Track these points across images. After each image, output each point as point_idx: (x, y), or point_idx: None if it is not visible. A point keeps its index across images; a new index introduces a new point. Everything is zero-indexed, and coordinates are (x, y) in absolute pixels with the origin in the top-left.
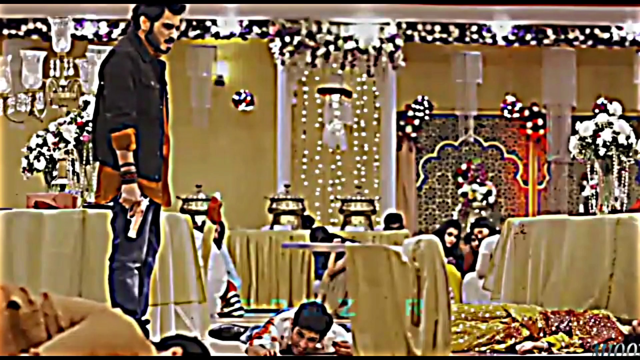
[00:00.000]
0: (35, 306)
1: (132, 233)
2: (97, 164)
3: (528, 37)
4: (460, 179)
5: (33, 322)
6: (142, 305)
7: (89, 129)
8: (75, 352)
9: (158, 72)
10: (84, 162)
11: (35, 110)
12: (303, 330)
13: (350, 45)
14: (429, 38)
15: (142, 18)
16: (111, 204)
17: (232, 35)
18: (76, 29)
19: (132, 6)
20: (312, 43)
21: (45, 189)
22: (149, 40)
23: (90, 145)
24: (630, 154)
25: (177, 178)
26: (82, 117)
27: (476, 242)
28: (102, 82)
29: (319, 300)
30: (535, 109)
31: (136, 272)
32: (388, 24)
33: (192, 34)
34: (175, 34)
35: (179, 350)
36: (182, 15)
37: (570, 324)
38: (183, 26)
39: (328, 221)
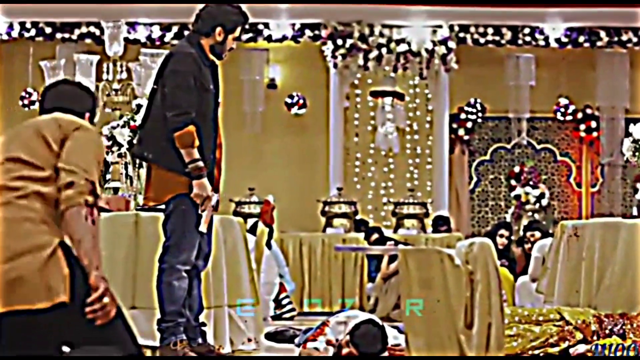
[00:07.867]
0: None
1: (203, 227)
2: (145, 164)
3: (581, 39)
4: (513, 182)
5: None
6: (196, 307)
7: None
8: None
9: (213, 76)
10: (137, 165)
11: None
12: (352, 349)
13: (402, 47)
14: (482, 40)
15: (218, 29)
16: (162, 206)
17: (284, 38)
18: (129, 32)
19: (191, 9)
20: (364, 46)
21: None
22: (213, 48)
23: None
24: None
25: (229, 181)
26: (135, 121)
27: (529, 245)
28: (158, 83)
29: (371, 302)
30: (589, 111)
31: (184, 274)
32: (440, 26)
33: (244, 37)
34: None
35: None
36: None
37: (623, 327)
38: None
39: (381, 224)
